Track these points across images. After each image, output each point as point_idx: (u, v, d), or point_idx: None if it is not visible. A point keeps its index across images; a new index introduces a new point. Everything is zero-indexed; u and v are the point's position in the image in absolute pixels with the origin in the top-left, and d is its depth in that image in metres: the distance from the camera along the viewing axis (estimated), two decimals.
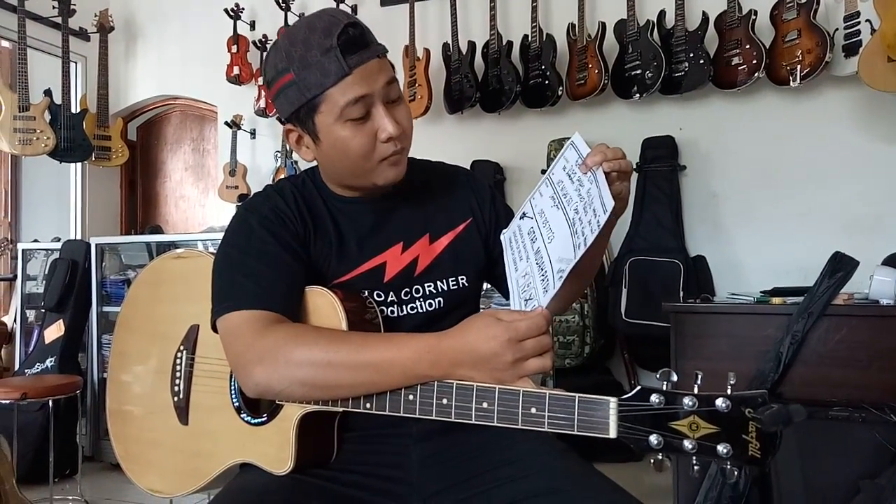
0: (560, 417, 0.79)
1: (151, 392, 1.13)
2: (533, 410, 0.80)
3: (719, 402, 0.72)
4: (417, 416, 0.87)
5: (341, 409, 0.92)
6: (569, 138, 0.99)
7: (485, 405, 0.82)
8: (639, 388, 0.76)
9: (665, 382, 0.76)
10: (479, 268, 1.11)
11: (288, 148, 3.92)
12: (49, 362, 3.10)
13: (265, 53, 0.97)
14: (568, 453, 0.98)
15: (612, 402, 0.77)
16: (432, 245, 1.07)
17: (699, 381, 0.75)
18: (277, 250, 0.97)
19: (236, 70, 3.95)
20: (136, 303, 1.22)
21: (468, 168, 1.34)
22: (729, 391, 0.73)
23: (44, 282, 3.39)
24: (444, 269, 1.06)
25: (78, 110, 3.85)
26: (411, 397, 0.87)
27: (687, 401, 0.74)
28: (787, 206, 3.01)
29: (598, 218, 0.83)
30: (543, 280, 0.88)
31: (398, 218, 1.07)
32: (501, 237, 1.07)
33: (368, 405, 0.89)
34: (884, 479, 1.59)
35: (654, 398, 0.75)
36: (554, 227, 0.93)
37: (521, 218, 1.04)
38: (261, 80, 3.90)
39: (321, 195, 1.06)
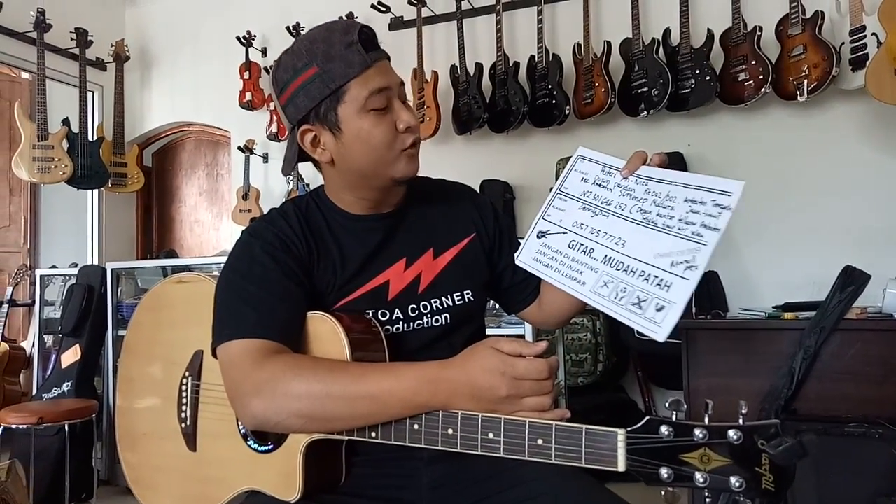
0: (567, 449, 0.77)
1: (159, 418, 1.13)
2: (539, 442, 0.79)
3: (731, 433, 0.70)
4: (423, 445, 0.85)
5: (346, 439, 0.91)
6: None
7: (491, 436, 0.81)
8: (647, 418, 0.74)
9: (674, 412, 0.74)
10: (483, 282, 1.12)
11: (299, 171, 3.96)
12: (66, 387, 3.12)
13: (274, 66, 1.01)
14: (579, 474, 0.96)
15: (620, 434, 0.74)
16: (436, 260, 1.07)
17: (710, 411, 0.73)
18: (279, 276, 0.96)
19: (249, 96, 4.01)
20: (139, 328, 1.23)
21: (476, 187, 1.35)
22: (741, 421, 0.71)
23: (61, 307, 3.43)
24: (448, 284, 1.06)
25: (95, 138, 3.92)
26: (416, 427, 0.86)
27: (697, 432, 0.71)
28: (798, 220, 2.99)
29: (728, 197, 0.86)
30: (657, 279, 0.86)
31: (402, 234, 1.07)
32: (517, 261, 1.03)
33: (374, 434, 0.88)
34: None
35: (663, 430, 0.73)
36: (617, 233, 0.93)
37: (541, 237, 1.01)
38: (272, 105, 3.97)
39: (325, 215, 1.06)
